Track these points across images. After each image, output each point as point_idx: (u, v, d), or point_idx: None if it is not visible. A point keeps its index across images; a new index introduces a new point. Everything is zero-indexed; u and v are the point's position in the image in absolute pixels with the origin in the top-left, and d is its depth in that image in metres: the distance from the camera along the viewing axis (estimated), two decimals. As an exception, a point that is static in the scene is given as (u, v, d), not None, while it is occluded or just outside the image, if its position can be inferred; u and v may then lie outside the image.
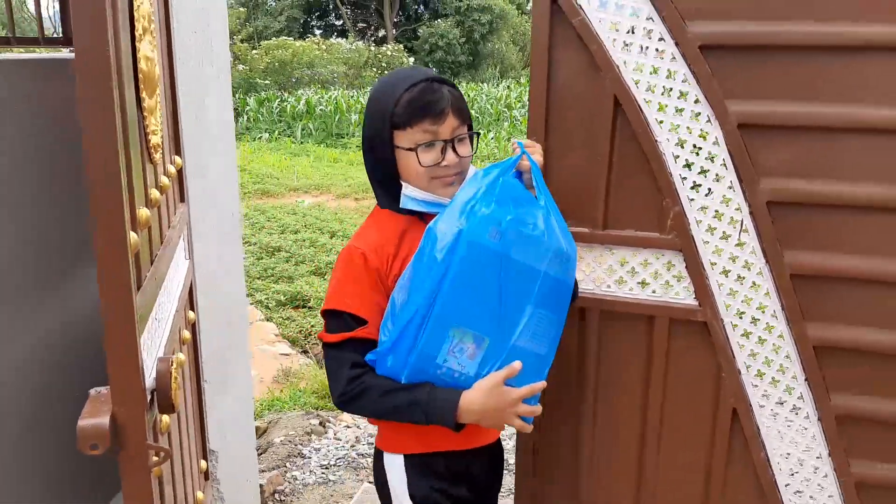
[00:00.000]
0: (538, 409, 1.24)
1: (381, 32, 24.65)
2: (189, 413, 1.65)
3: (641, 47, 1.45)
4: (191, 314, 1.70)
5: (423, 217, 1.27)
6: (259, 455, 2.58)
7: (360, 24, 25.74)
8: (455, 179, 1.26)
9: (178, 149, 1.70)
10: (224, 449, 1.98)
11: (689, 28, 1.42)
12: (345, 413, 3.08)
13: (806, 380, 1.48)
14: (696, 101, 1.44)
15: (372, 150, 1.27)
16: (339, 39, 21.03)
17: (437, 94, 1.21)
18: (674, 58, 1.44)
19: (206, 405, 1.87)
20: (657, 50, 1.45)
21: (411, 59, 20.11)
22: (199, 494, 1.65)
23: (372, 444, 2.76)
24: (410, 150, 1.22)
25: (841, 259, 1.41)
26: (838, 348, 1.45)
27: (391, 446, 1.34)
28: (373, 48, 19.51)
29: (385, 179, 1.28)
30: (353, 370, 1.20)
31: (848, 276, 1.42)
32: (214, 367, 1.96)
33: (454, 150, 1.24)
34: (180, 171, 1.72)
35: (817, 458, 1.52)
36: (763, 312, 1.48)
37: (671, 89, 1.45)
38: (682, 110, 1.46)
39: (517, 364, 1.19)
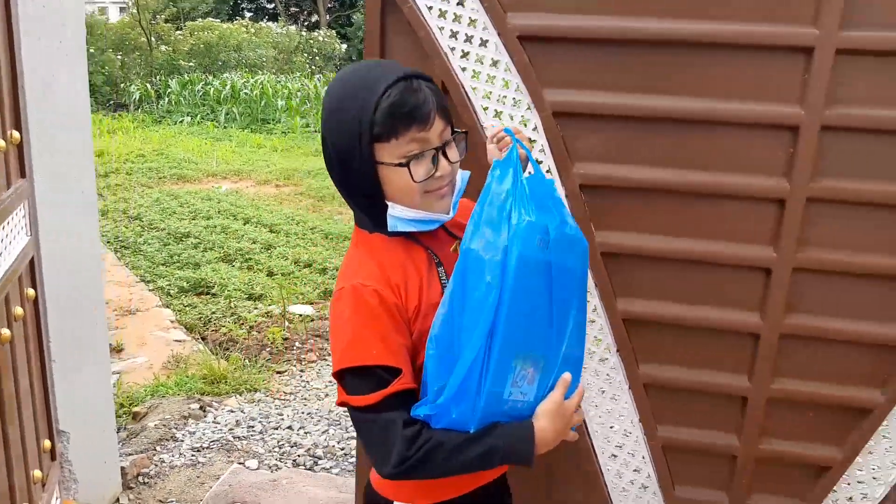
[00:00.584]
0: (583, 414, 1.14)
1: (315, 17, 24.28)
2: (29, 391, 1.64)
3: (467, 36, 1.52)
4: (30, 291, 1.69)
5: (415, 237, 1.10)
6: (130, 439, 2.56)
7: (293, 9, 25.26)
8: (448, 190, 1.09)
9: (17, 123, 1.68)
10: (78, 430, 1.96)
11: (510, 19, 1.49)
12: (231, 398, 3.08)
13: (618, 351, 1.59)
14: (517, 90, 1.52)
15: (346, 169, 1.05)
16: (270, 23, 20.58)
17: (421, 95, 1.01)
18: (497, 47, 1.52)
19: (55, 385, 1.86)
20: (482, 39, 1.52)
21: (344, 46, 19.88)
22: (37, 472, 1.64)
23: (253, 427, 2.78)
24: (400, 164, 1.01)
25: (644, 239, 1.53)
26: (644, 321, 1.57)
27: (419, 496, 1.13)
28: (304, 33, 19.19)
29: (366, 201, 1.07)
30: (409, 429, 1.00)
31: (650, 255, 1.53)
32: (65, 347, 1.94)
33: (445, 156, 1.05)
34: (21, 146, 1.70)
35: (630, 423, 1.64)
36: (579, 289, 1.58)
37: (495, 77, 1.53)
38: (504, 98, 1.54)
39: (568, 376, 1.08)
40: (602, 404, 1.63)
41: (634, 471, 1.68)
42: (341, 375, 1.03)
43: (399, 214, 1.05)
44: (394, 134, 1.00)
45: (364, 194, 1.06)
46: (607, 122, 1.50)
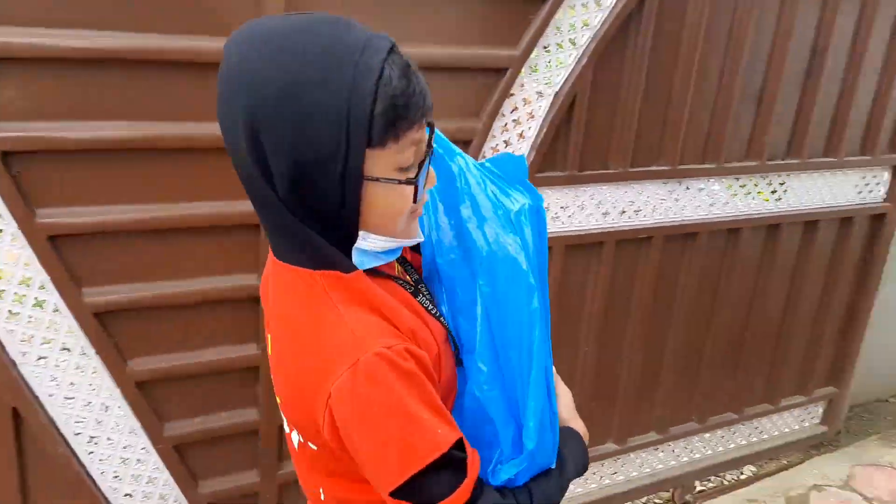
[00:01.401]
0: None
1: None
2: None
3: None
4: None
5: (377, 270, 0.79)
6: None
7: None
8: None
9: None
10: None
11: None
12: None
13: (97, 352, 1.33)
14: None
15: (309, 188, 0.67)
16: None
17: (421, 81, 0.69)
18: None
19: None
20: None
21: None
22: None
23: None
24: (409, 181, 0.70)
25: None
26: (123, 311, 1.33)
27: None
28: None
29: (338, 232, 0.72)
30: None
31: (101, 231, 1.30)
32: None
33: (430, 163, 0.75)
34: None
35: (130, 432, 1.40)
36: (29, 287, 1.26)
37: None
38: None
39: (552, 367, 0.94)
40: (90, 420, 1.35)
41: (148, 483, 1.45)
42: (407, 486, 0.70)
43: (371, 247, 0.74)
44: (394, 136, 0.67)
45: (335, 223, 0.71)
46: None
